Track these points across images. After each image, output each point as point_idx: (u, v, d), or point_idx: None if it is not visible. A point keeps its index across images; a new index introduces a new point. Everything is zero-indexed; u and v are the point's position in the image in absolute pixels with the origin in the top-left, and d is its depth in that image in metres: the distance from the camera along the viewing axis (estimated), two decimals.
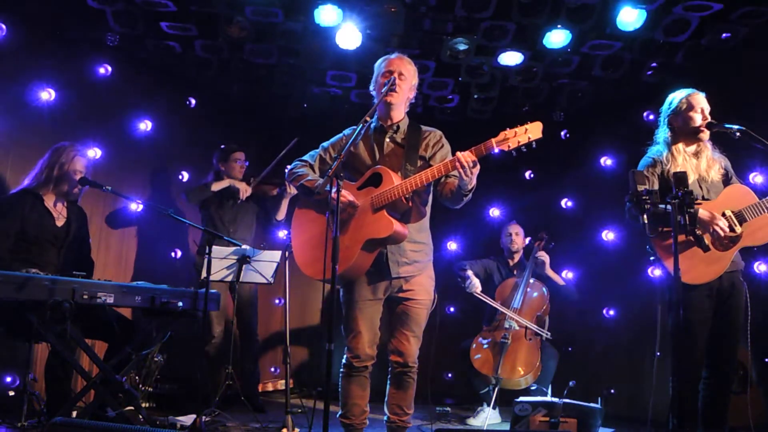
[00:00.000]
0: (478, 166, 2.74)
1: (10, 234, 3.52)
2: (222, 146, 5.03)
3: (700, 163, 3.21)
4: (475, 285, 4.87)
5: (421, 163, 3.02)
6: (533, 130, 2.69)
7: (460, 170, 2.72)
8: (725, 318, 3.12)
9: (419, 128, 3.12)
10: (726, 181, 3.27)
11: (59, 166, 3.67)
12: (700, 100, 3.23)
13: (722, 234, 3.00)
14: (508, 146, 2.70)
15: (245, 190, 4.84)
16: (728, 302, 3.12)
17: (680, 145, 3.24)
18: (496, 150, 2.72)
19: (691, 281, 3.03)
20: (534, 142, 2.69)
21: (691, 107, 3.21)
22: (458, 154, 2.73)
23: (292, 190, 4.80)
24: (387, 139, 3.09)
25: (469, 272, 4.94)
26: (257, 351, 5.04)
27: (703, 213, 3.02)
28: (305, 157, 3.21)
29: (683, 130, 3.25)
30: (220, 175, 4.94)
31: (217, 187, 4.80)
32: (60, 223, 3.72)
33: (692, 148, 3.25)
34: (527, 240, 5.26)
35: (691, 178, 3.15)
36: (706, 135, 3.22)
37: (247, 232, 4.94)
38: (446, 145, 3.11)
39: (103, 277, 3.73)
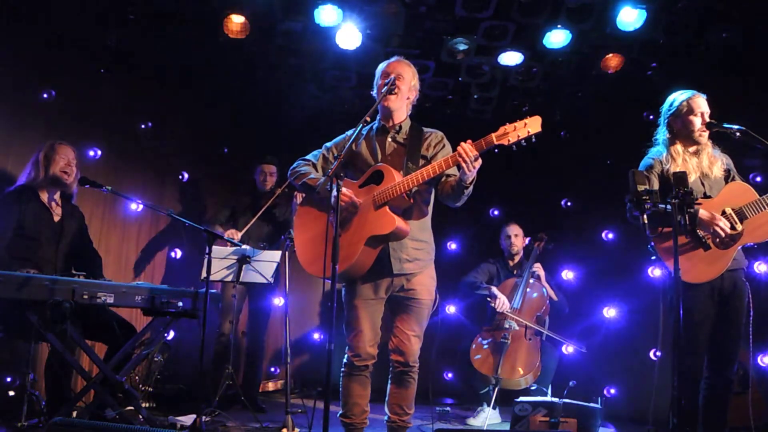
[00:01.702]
0: (480, 160, 2.75)
1: (7, 230, 3.51)
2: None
3: (702, 161, 3.20)
4: (504, 303, 4.78)
5: (422, 162, 3.03)
6: (532, 124, 2.71)
7: (463, 164, 2.73)
8: (727, 318, 3.11)
9: (421, 129, 3.14)
10: (728, 178, 3.26)
11: (45, 157, 3.68)
12: (701, 104, 3.22)
13: (723, 234, 3.00)
14: (508, 140, 2.71)
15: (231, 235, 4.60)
16: (730, 302, 3.11)
17: (679, 147, 3.24)
18: (496, 143, 2.72)
19: (691, 280, 3.03)
20: (533, 136, 2.71)
21: (691, 111, 3.21)
22: (461, 144, 2.74)
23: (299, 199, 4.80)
24: (389, 139, 3.10)
25: (495, 290, 4.85)
26: (262, 352, 5.05)
27: (703, 213, 3.02)
28: (308, 157, 3.22)
29: (682, 133, 3.25)
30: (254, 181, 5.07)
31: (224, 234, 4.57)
32: (56, 218, 3.72)
33: (692, 148, 3.25)
34: (527, 240, 5.26)
35: (693, 177, 3.15)
36: (704, 137, 3.22)
37: (267, 242, 4.94)
38: (447, 146, 3.12)
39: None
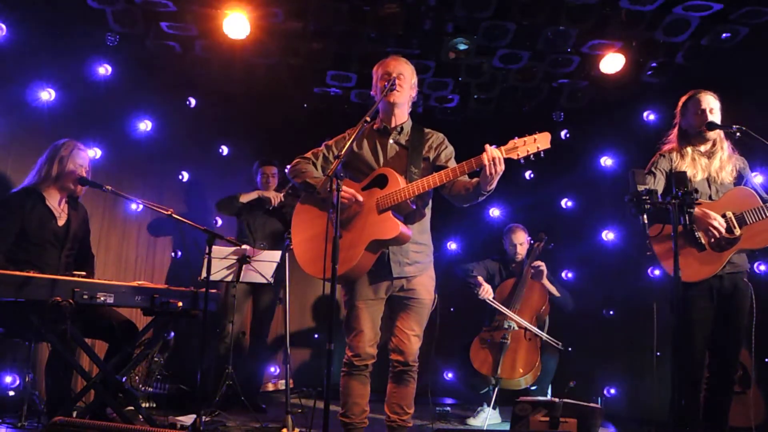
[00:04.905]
0: (504, 166, 2.69)
1: (10, 234, 3.45)
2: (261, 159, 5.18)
3: (712, 163, 3.21)
4: (488, 290, 4.80)
5: (424, 164, 3.02)
6: (542, 141, 2.68)
7: (486, 164, 2.67)
8: (727, 319, 3.11)
9: (422, 130, 3.12)
10: (738, 183, 3.25)
11: (59, 162, 3.60)
12: (709, 101, 3.23)
13: (717, 234, 3.00)
14: (517, 155, 2.69)
15: (275, 197, 4.95)
16: (730, 303, 3.11)
17: (689, 147, 3.25)
18: (505, 157, 2.70)
19: (686, 279, 3.01)
20: (542, 152, 2.68)
21: (698, 108, 3.22)
22: (487, 146, 2.69)
23: None
24: (391, 141, 3.08)
25: (480, 278, 4.87)
26: (264, 353, 5.05)
27: (696, 211, 3.00)
28: (307, 155, 3.19)
29: (691, 132, 3.27)
30: (256, 186, 5.09)
31: (245, 198, 4.94)
32: (61, 222, 3.64)
33: (705, 147, 3.25)
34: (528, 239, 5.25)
35: (699, 177, 3.15)
36: (712, 134, 3.22)
37: (271, 241, 4.96)
38: (450, 147, 3.11)
39: (103, 277, 3.71)
